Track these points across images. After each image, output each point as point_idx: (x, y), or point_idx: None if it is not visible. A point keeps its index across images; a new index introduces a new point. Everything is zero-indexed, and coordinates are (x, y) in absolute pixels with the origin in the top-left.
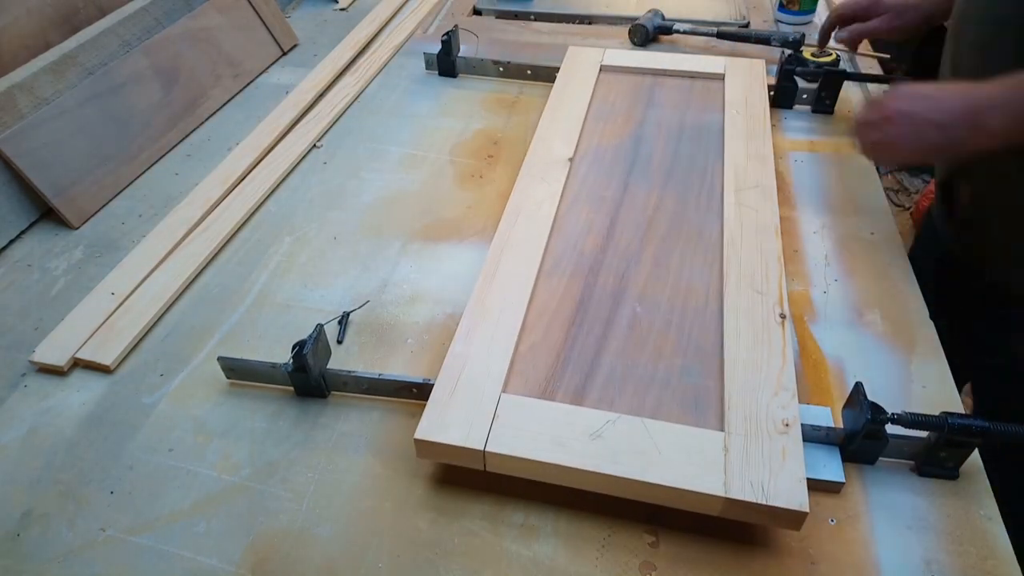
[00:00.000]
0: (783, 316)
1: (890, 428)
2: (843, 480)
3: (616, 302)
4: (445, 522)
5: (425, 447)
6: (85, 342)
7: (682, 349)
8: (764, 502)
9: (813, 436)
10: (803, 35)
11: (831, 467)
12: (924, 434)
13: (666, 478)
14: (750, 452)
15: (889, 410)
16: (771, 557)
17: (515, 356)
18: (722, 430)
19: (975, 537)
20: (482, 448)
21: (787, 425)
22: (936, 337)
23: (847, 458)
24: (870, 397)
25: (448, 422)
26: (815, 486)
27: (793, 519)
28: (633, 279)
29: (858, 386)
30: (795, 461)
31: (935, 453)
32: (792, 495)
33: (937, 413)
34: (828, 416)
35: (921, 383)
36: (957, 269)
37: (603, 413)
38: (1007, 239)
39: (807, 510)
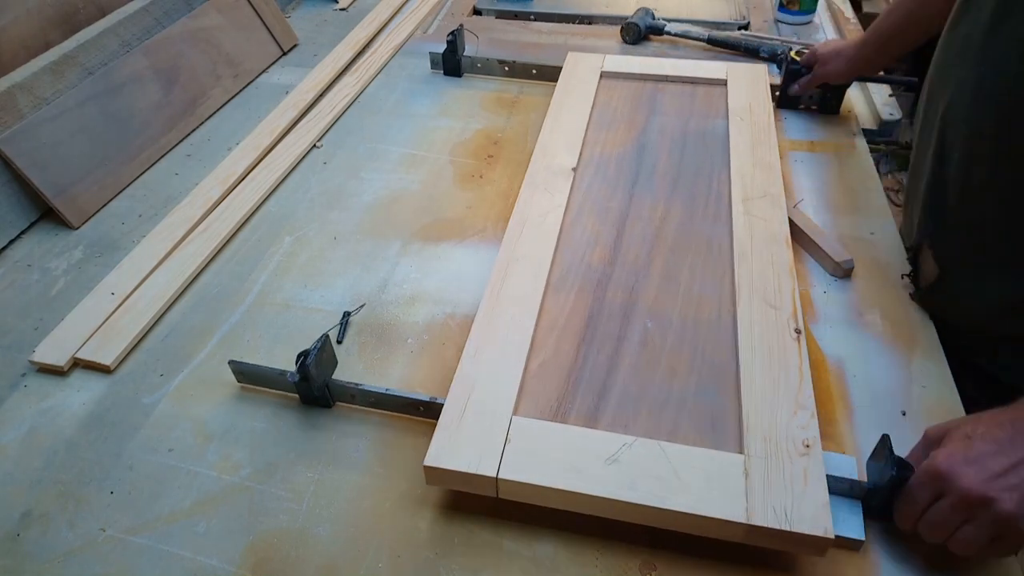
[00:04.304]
0: (798, 331)
1: None
2: (863, 538)
3: (626, 317)
4: (445, 522)
5: (435, 474)
6: (85, 342)
7: (696, 367)
8: (788, 528)
9: (835, 489)
10: (791, 48)
11: (850, 523)
12: None
13: (687, 505)
14: (771, 475)
15: (889, 410)
16: (771, 556)
17: (525, 375)
18: (741, 452)
19: None
20: (495, 475)
21: (808, 446)
22: (936, 337)
23: (869, 514)
24: (870, 397)
25: (458, 447)
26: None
27: (817, 545)
28: (643, 293)
29: (884, 439)
30: (818, 484)
31: None
32: (816, 520)
33: (937, 414)
34: (852, 466)
35: (921, 383)
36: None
37: (618, 436)
38: (971, 315)
39: (832, 535)
